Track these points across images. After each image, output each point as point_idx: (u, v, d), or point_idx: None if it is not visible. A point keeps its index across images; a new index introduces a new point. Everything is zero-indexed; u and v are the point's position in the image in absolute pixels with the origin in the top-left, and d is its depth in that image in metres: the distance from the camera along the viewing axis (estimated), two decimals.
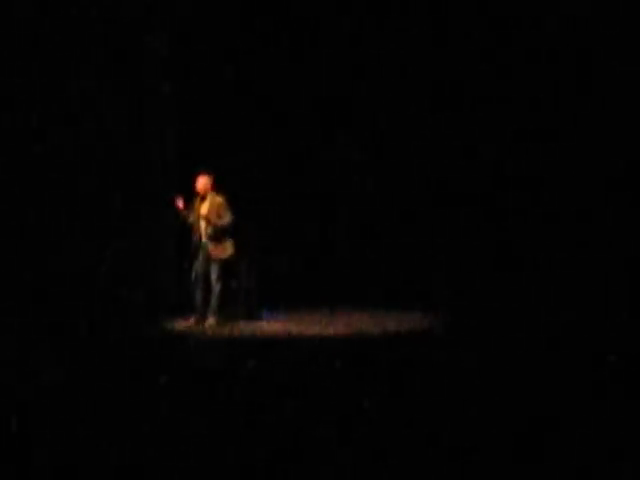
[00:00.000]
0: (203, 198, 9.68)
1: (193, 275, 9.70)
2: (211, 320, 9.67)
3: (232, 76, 11.23)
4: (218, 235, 9.61)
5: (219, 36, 11.13)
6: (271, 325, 9.86)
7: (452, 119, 11.09)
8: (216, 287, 9.63)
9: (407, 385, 6.40)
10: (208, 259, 9.64)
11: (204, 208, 9.67)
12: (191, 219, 9.68)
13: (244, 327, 9.78)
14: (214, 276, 9.62)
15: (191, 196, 9.74)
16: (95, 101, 10.54)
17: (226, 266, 9.74)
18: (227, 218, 9.59)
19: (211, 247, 9.62)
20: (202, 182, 9.67)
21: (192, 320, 9.72)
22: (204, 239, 9.64)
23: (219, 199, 9.67)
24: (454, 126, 11.08)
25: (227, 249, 9.69)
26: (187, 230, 9.81)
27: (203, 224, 9.63)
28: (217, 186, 9.70)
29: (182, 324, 9.75)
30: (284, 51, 11.34)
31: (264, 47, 11.24)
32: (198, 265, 9.68)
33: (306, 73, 11.37)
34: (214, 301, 9.65)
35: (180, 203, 9.63)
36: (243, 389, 6.42)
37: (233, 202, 9.69)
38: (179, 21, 11.07)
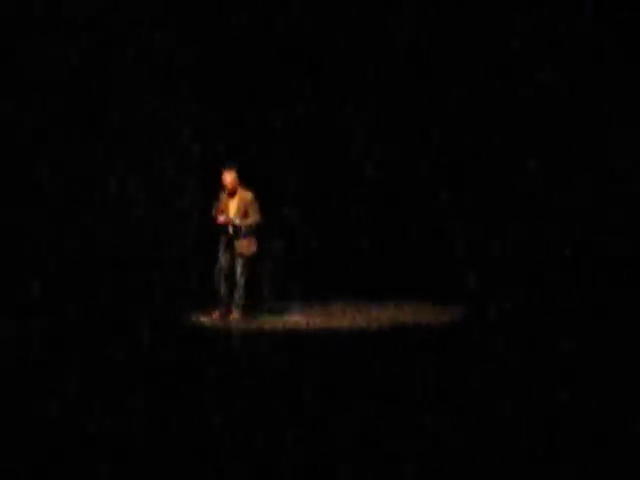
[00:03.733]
0: (232, 194, 9.71)
1: (217, 270, 9.78)
2: (235, 314, 9.76)
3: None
4: (244, 233, 9.68)
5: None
6: (293, 318, 9.98)
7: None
8: (240, 281, 9.68)
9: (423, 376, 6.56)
10: (234, 254, 9.71)
11: (233, 205, 9.70)
12: (222, 217, 9.68)
13: (267, 321, 9.88)
14: (239, 271, 9.67)
15: (216, 190, 9.80)
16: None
17: (251, 262, 9.82)
18: (254, 217, 9.65)
19: (237, 243, 9.69)
20: (230, 177, 9.66)
21: (216, 314, 9.81)
22: (231, 233, 9.67)
23: (249, 195, 9.69)
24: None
25: (252, 245, 9.75)
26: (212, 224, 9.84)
27: (230, 218, 9.65)
28: (244, 180, 9.75)
29: (206, 318, 9.82)
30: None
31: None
32: (223, 260, 9.74)
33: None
34: (238, 296, 9.72)
35: (221, 218, 9.66)
36: (264, 382, 6.57)
37: (261, 198, 9.76)
38: None
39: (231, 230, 9.66)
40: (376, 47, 11.39)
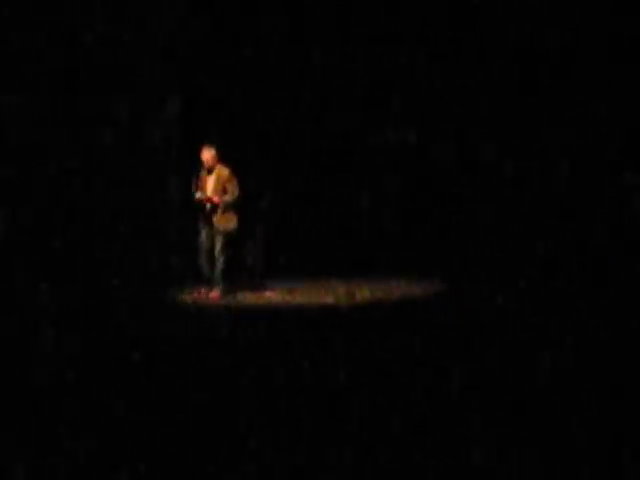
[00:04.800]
0: (210, 171, 9.71)
1: (199, 247, 9.78)
2: (215, 291, 9.77)
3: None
4: (223, 208, 9.66)
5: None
6: (274, 295, 10.00)
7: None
8: (220, 259, 9.68)
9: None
10: (213, 231, 9.71)
11: (210, 181, 9.69)
12: (198, 194, 9.68)
13: (248, 297, 9.91)
14: (218, 248, 9.67)
15: (195, 169, 9.79)
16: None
17: (232, 238, 9.80)
18: (232, 194, 9.63)
19: (215, 219, 9.69)
20: (209, 154, 9.66)
21: (203, 291, 9.83)
22: (209, 210, 9.67)
23: (226, 172, 9.67)
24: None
25: (231, 222, 9.72)
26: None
27: (208, 195, 9.65)
28: (223, 158, 9.73)
29: (191, 295, 9.86)
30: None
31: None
32: (204, 237, 9.74)
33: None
34: (218, 273, 9.72)
35: (198, 194, 9.64)
36: (244, 357, 6.57)
37: (239, 174, 9.73)
38: None
39: (208, 207, 9.64)
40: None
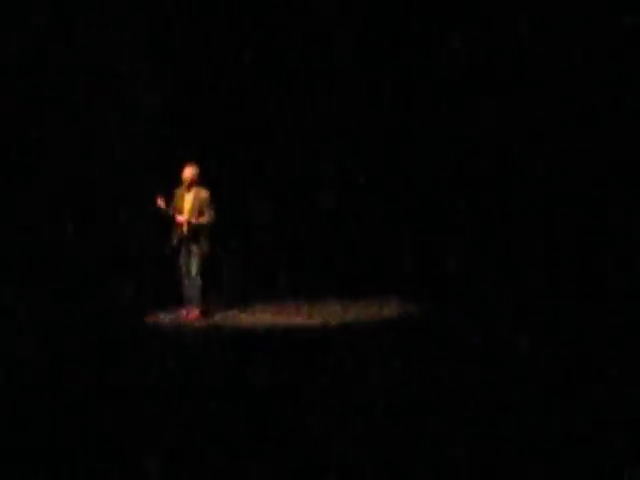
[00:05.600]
0: (188, 188, 9.65)
1: (180, 269, 9.73)
2: (194, 311, 9.74)
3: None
4: (198, 231, 9.63)
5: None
6: (252, 316, 10.00)
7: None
8: (196, 281, 9.65)
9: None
10: (190, 253, 9.67)
11: (188, 200, 9.65)
12: (172, 211, 9.62)
13: (227, 318, 9.91)
14: (194, 270, 9.63)
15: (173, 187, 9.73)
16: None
17: (209, 259, 9.76)
18: (208, 216, 9.59)
19: (192, 242, 9.63)
20: (189, 172, 9.62)
21: (184, 312, 9.81)
22: (184, 231, 9.63)
23: (204, 193, 9.64)
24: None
25: (207, 244, 9.66)
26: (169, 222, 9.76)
27: (186, 216, 9.61)
28: (203, 180, 9.69)
29: (170, 317, 9.85)
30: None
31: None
32: (181, 259, 9.69)
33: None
34: (196, 294, 9.68)
35: (161, 202, 9.56)
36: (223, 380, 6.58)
37: (217, 198, 9.69)
38: None
39: (185, 230, 9.62)
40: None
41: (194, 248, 9.64)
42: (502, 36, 10.74)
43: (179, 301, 9.89)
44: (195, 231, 9.61)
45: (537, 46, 10.56)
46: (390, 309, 10.09)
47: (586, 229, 10.25)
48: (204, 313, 9.80)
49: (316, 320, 9.59)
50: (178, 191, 9.71)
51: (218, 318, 9.90)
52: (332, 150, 11.45)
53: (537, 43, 10.55)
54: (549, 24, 10.54)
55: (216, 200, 9.69)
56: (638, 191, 10.14)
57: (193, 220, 9.58)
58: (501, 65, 10.78)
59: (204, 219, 9.61)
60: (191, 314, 9.73)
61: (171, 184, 9.78)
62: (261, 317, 9.93)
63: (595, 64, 10.31)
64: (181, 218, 9.60)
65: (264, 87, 11.24)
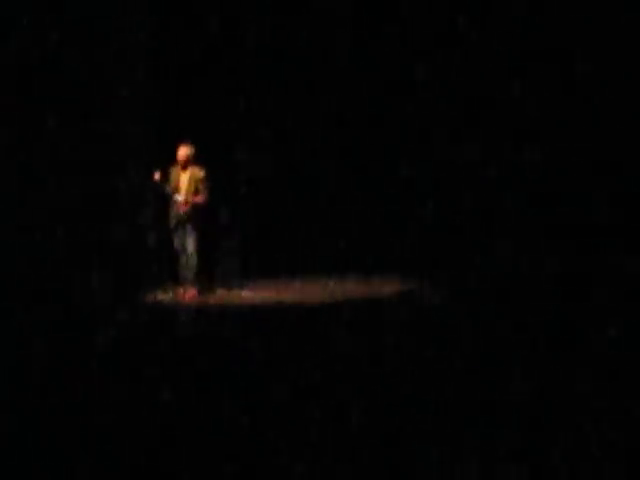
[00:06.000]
0: (184, 168, 9.65)
1: (176, 249, 9.74)
2: (191, 290, 9.74)
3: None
4: (195, 210, 9.64)
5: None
6: (249, 294, 10.00)
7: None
8: (191, 259, 9.64)
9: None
10: (185, 232, 9.66)
11: (184, 179, 9.64)
12: (168, 190, 9.64)
13: (223, 296, 9.93)
14: (190, 248, 9.63)
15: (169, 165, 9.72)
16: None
17: (205, 238, 9.78)
18: (204, 195, 9.59)
19: (187, 221, 9.63)
20: (184, 152, 9.61)
21: (181, 292, 9.79)
22: (182, 211, 9.65)
23: (200, 173, 9.63)
24: None
25: (202, 223, 9.66)
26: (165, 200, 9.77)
27: (182, 196, 9.62)
28: (198, 159, 9.67)
29: (169, 295, 9.85)
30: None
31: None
32: (177, 238, 9.69)
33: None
34: (190, 272, 9.68)
35: (156, 175, 9.56)
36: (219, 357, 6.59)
37: (212, 177, 9.69)
38: None
39: (182, 210, 9.62)
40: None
41: (190, 227, 9.64)
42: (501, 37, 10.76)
43: (176, 280, 9.90)
44: (192, 210, 9.61)
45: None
46: (391, 286, 10.07)
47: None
48: (201, 292, 9.80)
49: (316, 297, 9.60)
50: (174, 170, 9.69)
51: (216, 297, 9.90)
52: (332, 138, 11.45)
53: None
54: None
55: (211, 179, 9.68)
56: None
57: (190, 199, 9.59)
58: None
59: (200, 198, 9.61)
60: (188, 293, 9.73)
61: (166, 163, 9.77)
62: (260, 295, 9.92)
63: None
64: (180, 197, 9.60)
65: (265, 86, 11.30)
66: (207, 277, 10.10)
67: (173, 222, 9.70)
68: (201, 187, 9.61)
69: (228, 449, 4.55)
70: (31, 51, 10.06)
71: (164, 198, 9.74)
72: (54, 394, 5.57)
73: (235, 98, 11.22)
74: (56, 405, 5.29)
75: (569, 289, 8.70)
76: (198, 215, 9.65)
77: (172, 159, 9.68)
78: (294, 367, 6.07)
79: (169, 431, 4.81)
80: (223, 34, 11.15)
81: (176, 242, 9.73)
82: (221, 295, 10.02)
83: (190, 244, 9.64)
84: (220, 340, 7.49)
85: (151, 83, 10.85)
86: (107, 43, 10.49)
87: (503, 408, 5.01)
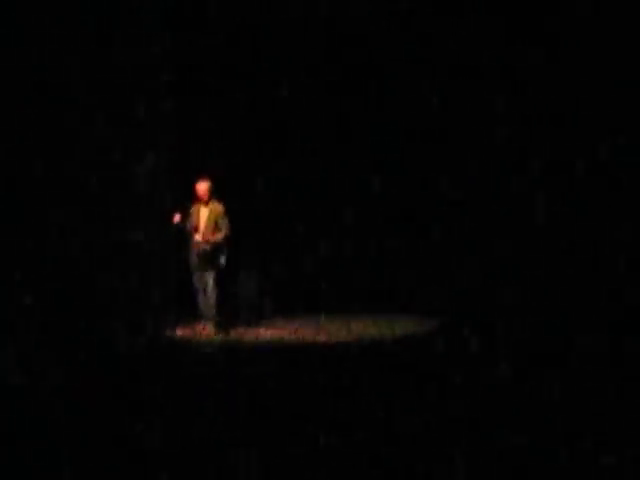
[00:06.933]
0: (205, 203, 9.64)
1: (195, 285, 9.69)
2: (209, 327, 9.68)
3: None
4: (215, 247, 9.59)
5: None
6: (269, 332, 9.91)
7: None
8: (212, 296, 9.60)
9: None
10: (205, 267, 9.63)
11: (204, 215, 9.63)
12: (189, 227, 9.64)
13: (243, 334, 9.83)
14: (210, 284, 9.59)
15: (187, 202, 9.70)
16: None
17: (225, 275, 9.71)
18: (223, 232, 9.56)
19: (207, 257, 9.58)
20: (204, 187, 9.62)
21: (201, 327, 9.76)
22: (201, 249, 9.60)
23: (220, 207, 9.63)
24: None
25: (222, 259, 9.61)
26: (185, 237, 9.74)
27: (202, 231, 9.58)
28: (216, 193, 9.67)
29: (187, 331, 9.81)
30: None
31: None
32: (197, 274, 9.65)
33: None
34: (210, 309, 9.64)
35: (177, 218, 9.57)
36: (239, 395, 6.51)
37: (230, 210, 9.67)
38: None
39: (202, 248, 9.57)
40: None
41: (210, 263, 9.58)
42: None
43: (195, 316, 9.83)
44: (211, 247, 9.56)
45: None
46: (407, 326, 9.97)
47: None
48: (219, 328, 9.71)
49: (331, 337, 9.47)
50: (194, 207, 9.70)
51: (234, 334, 9.82)
52: (349, 164, 11.38)
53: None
54: None
55: (231, 212, 9.67)
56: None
57: (210, 237, 9.55)
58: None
59: (220, 235, 9.58)
60: (206, 329, 9.66)
61: (185, 198, 9.75)
62: (278, 333, 9.82)
63: None
64: (198, 237, 9.58)
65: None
66: (226, 314, 10.01)
67: (193, 259, 9.65)
68: (221, 222, 9.58)
69: None
70: (45, 66, 10.05)
71: (185, 236, 9.71)
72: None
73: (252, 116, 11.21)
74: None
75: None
76: (217, 251, 9.59)
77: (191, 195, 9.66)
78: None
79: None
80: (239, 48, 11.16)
81: (195, 279, 9.67)
82: (240, 332, 9.93)
83: (210, 281, 9.58)
84: (233, 376, 7.42)
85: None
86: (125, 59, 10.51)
87: None
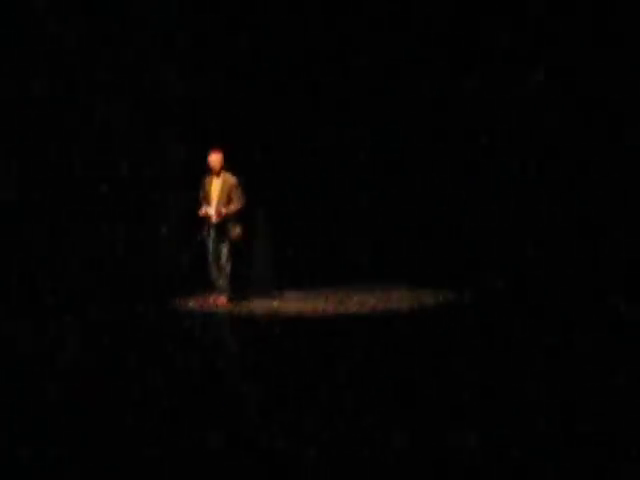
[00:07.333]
0: (217, 175, 9.59)
1: (208, 256, 9.67)
2: (222, 297, 9.68)
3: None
4: (228, 218, 9.56)
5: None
6: (283, 304, 9.91)
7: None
8: (226, 267, 9.59)
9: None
10: (219, 239, 9.60)
11: (216, 187, 9.59)
12: (201, 200, 9.60)
13: (256, 305, 9.82)
14: (224, 256, 9.57)
15: (201, 173, 9.69)
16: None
17: (237, 246, 9.70)
18: (237, 203, 9.52)
19: (221, 228, 9.55)
20: (215, 158, 9.56)
21: (212, 298, 9.75)
22: (214, 219, 9.57)
23: (233, 179, 9.57)
24: None
25: (236, 230, 9.59)
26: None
27: (214, 203, 9.56)
28: (230, 165, 9.63)
29: (200, 301, 9.82)
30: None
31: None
32: (210, 245, 9.62)
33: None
34: (223, 281, 9.63)
35: (203, 211, 9.56)
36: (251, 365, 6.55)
37: (245, 183, 9.65)
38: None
39: (214, 219, 9.54)
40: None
41: (223, 235, 9.57)
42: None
43: (207, 287, 9.84)
44: (225, 219, 9.54)
45: None
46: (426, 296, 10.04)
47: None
48: (232, 300, 9.72)
49: (344, 308, 9.47)
50: (206, 179, 9.65)
51: (246, 305, 9.81)
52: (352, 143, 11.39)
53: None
54: None
55: (244, 184, 9.64)
56: None
57: (222, 209, 9.51)
58: None
59: (233, 206, 9.54)
60: (218, 300, 9.66)
61: (198, 173, 9.74)
62: (289, 305, 9.81)
63: None
64: (210, 210, 9.54)
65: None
66: (240, 285, 10.01)
67: (205, 231, 9.64)
68: (234, 194, 9.55)
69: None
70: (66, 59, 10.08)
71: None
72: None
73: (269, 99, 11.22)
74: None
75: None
76: (231, 223, 9.57)
77: (204, 167, 9.65)
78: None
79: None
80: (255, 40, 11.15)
81: (209, 248, 9.65)
82: (253, 304, 9.92)
83: (223, 252, 9.57)
84: (244, 347, 7.49)
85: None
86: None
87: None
